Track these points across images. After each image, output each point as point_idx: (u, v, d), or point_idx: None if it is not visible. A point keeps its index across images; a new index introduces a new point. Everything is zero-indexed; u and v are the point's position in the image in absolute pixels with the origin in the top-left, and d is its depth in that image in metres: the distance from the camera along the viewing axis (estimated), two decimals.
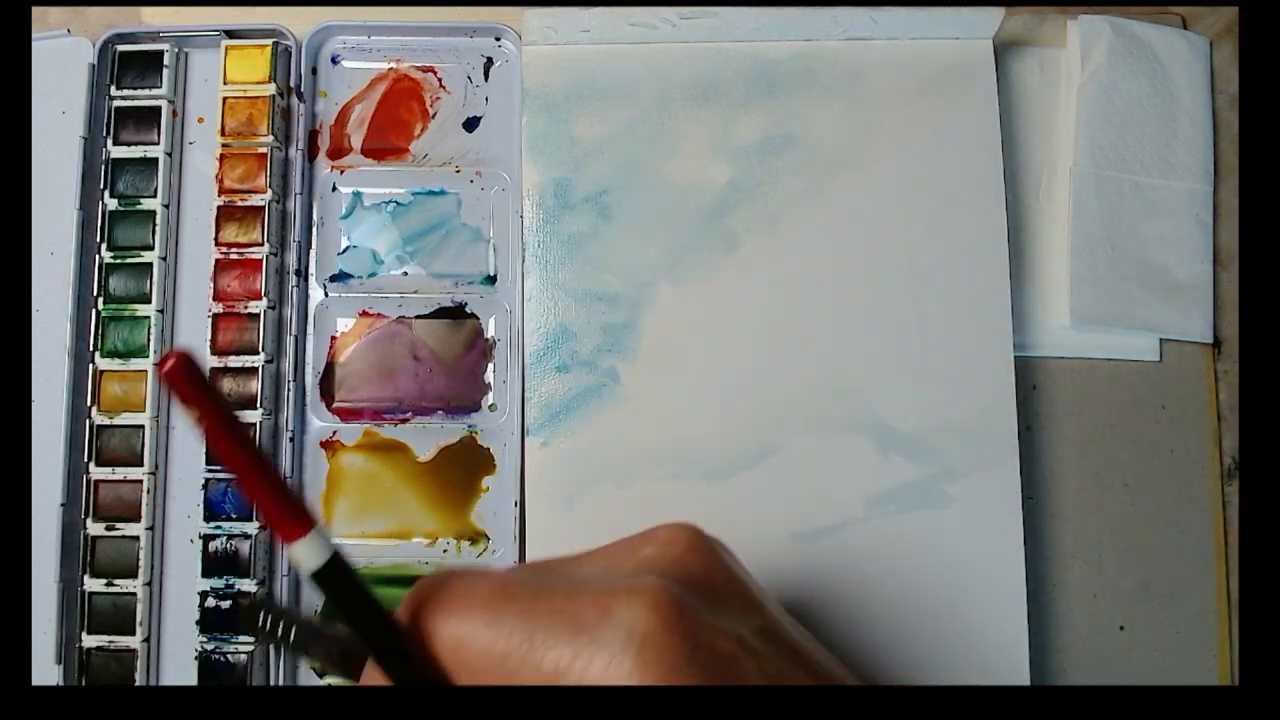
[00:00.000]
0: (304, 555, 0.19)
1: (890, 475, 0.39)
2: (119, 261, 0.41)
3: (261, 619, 0.31)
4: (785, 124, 0.41)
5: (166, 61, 0.42)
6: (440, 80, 0.43)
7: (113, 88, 0.42)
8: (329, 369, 0.42)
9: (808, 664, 0.21)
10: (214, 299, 0.41)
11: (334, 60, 0.43)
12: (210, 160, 0.42)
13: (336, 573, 0.20)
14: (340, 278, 0.42)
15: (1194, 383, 0.43)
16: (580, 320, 0.40)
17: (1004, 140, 0.41)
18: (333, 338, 0.42)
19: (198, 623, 0.39)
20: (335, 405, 0.41)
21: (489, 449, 0.41)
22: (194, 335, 0.41)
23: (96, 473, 0.40)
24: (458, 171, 0.42)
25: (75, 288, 0.40)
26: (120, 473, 0.40)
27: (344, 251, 0.42)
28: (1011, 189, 0.42)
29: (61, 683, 0.39)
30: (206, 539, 0.39)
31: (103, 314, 0.41)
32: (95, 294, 0.41)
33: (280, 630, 0.30)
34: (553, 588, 0.21)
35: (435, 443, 0.41)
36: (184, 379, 0.17)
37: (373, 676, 0.22)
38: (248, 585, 0.39)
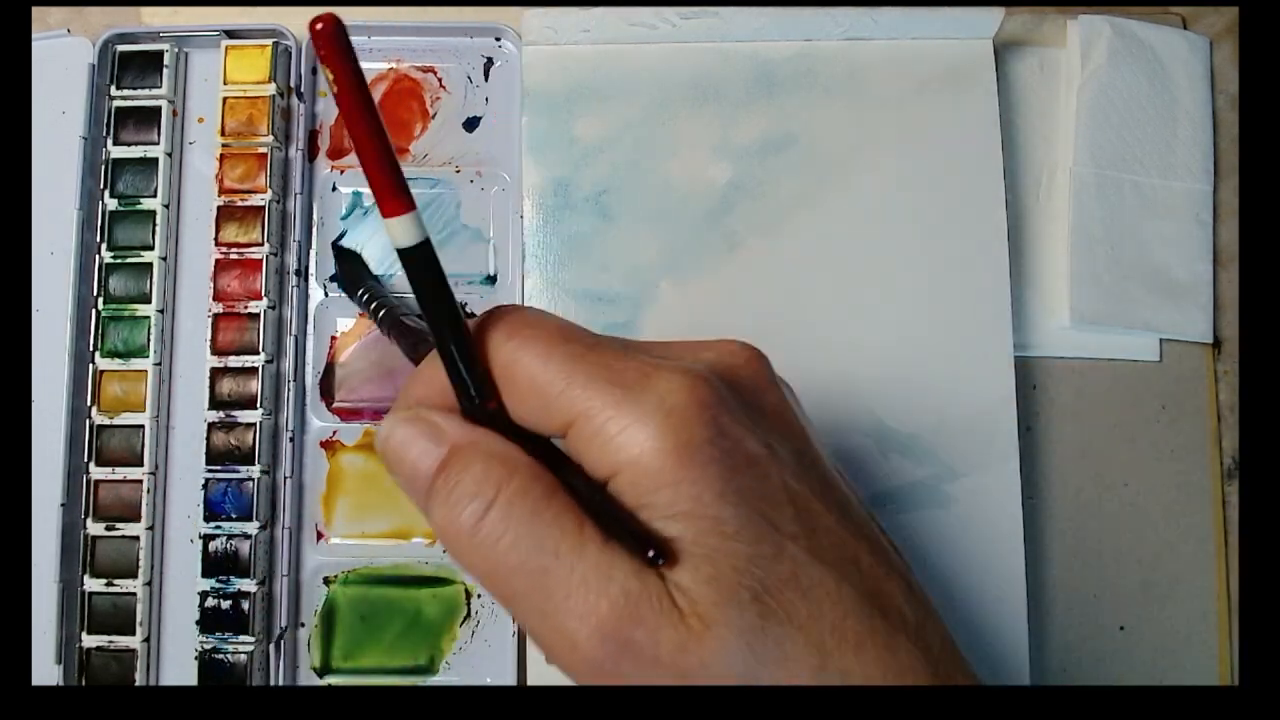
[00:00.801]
0: (399, 232, 0.20)
1: (891, 475, 0.39)
2: (119, 261, 0.41)
3: (362, 293, 0.38)
4: (785, 124, 0.41)
5: (166, 61, 0.42)
6: (440, 80, 0.43)
7: (113, 88, 0.42)
8: (329, 369, 0.42)
9: (839, 499, 0.22)
10: (214, 299, 0.41)
11: None
12: (210, 160, 0.42)
13: (423, 257, 0.21)
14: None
15: (1194, 383, 0.43)
16: (580, 320, 0.40)
17: (1004, 140, 0.41)
18: (333, 338, 0.42)
19: (198, 623, 0.39)
20: (335, 405, 0.41)
21: None
22: (194, 335, 0.41)
23: (96, 473, 0.40)
24: (458, 171, 0.42)
25: (75, 288, 0.40)
26: (120, 473, 0.40)
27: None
28: (1011, 189, 0.42)
29: (61, 683, 0.39)
30: (206, 539, 0.39)
31: (103, 314, 0.41)
32: (95, 294, 0.41)
33: (372, 308, 0.36)
34: (608, 348, 0.22)
35: None
36: (331, 40, 0.20)
37: (427, 371, 0.24)
38: (248, 585, 0.39)
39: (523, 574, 0.20)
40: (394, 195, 0.20)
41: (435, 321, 0.21)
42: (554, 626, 0.20)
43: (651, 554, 0.19)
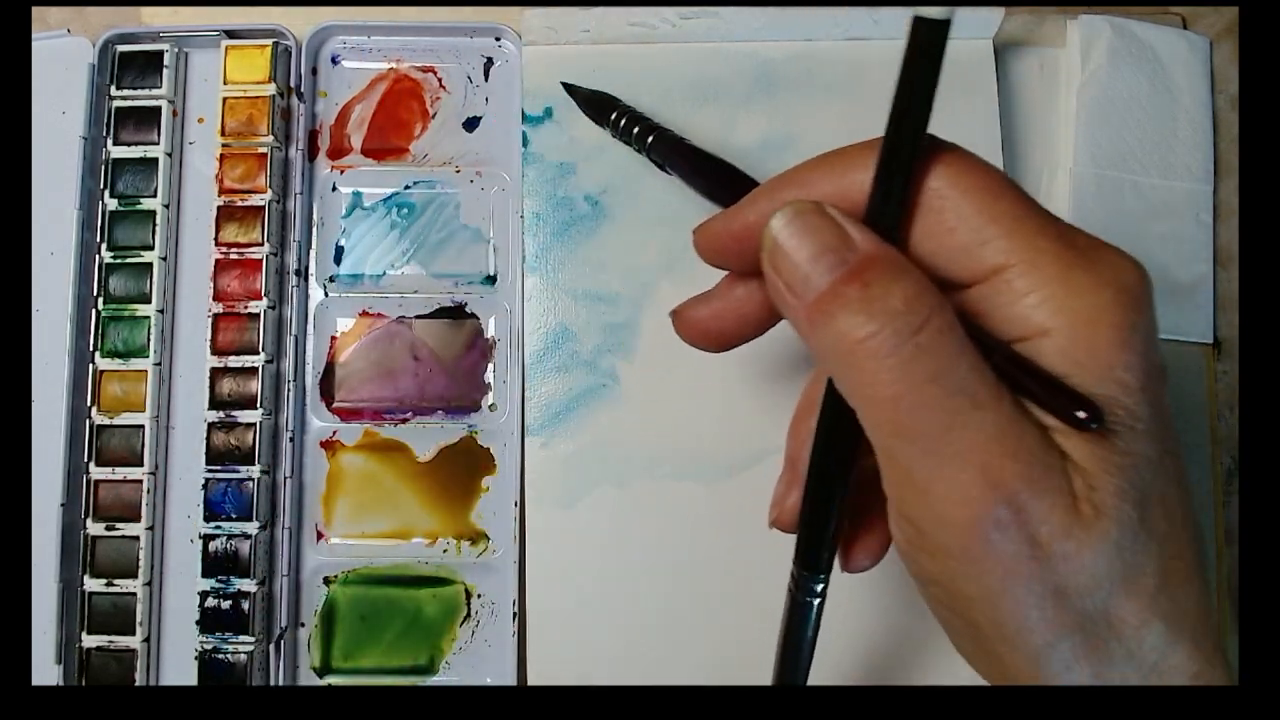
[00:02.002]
0: None
1: None
2: (119, 261, 0.41)
3: (617, 117, 0.35)
4: (785, 124, 0.41)
5: (166, 61, 0.42)
6: (440, 80, 0.43)
7: (113, 88, 0.42)
8: (329, 369, 0.42)
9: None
10: (214, 299, 0.41)
11: (334, 60, 0.43)
12: (210, 160, 0.42)
13: (940, 40, 0.18)
14: (340, 277, 0.42)
15: (1194, 383, 0.43)
16: (580, 320, 0.40)
17: (1004, 140, 0.41)
18: (333, 338, 0.42)
19: (198, 623, 0.39)
20: (335, 405, 0.41)
21: (489, 449, 0.41)
22: (194, 335, 0.41)
23: (96, 473, 0.40)
24: (458, 171, 0.42)
25: (75, 288, 0.40)
26: (120, 473, 0.40)
27: (343, 251, 0.42)
28: None
29: (61, 683, 0.39)
30: (206, 539, 0.39)
31: (103, 314, 0.41)
32: (95, 294, 0.41)
33: (636, 132, 0.33)
34: (1044, 209, 0.21)
35: (435, 443, 0.41)
36: None
37: (814, 176, 0.22)
38: (248, 585, 0.39)
39: (931, 410, 0.19)
40: None
41: (906, 119, 0.19)
42: (948, 475, 0.19)
43: (1083, 415, 0.18)
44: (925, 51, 0.19)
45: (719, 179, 0.31)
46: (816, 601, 0.25)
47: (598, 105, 0.39)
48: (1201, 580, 0.19)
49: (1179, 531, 0.19)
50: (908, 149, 0.20)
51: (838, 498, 0.24)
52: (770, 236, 0.21)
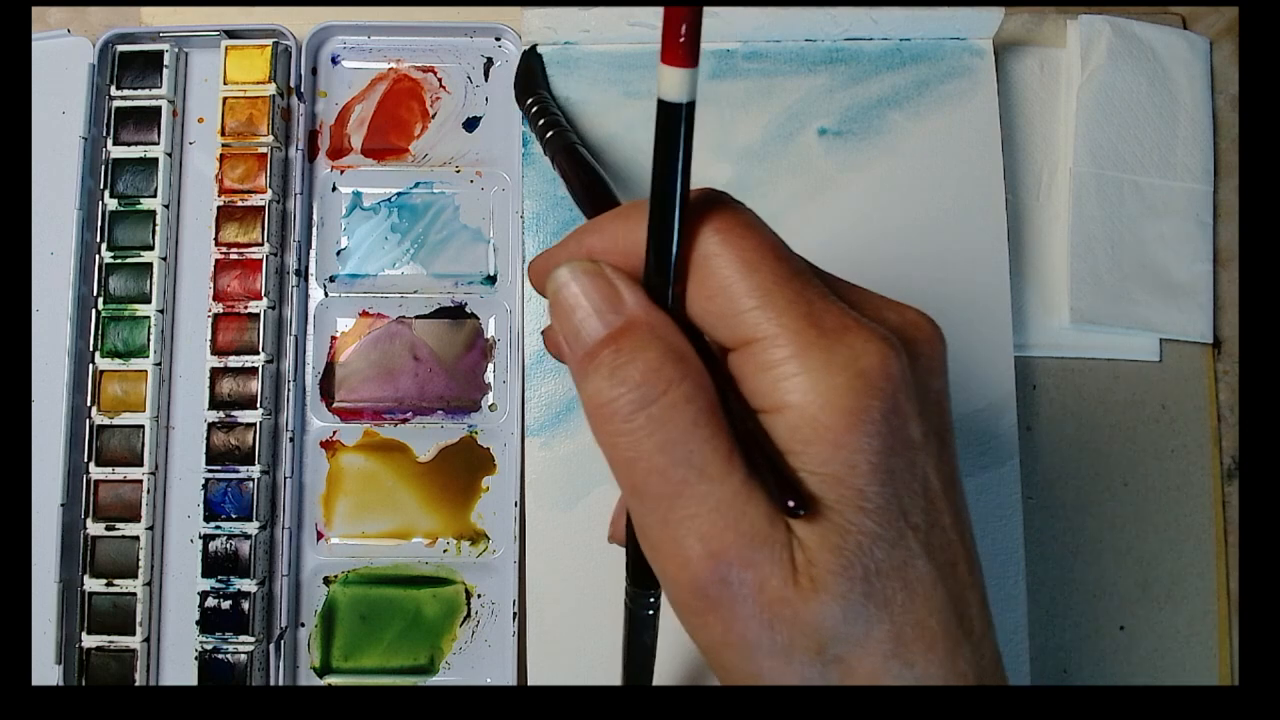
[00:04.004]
0: (673, 84, 0.19)
1: None
2: (119, 261, 0.41)
3: (532, 103, 0.35)
4: (785, 124, 0.41)
5: (166, 61, 0.42)
6: (440, 80, 0.43)
7: (113, 88, 0.42)
8: (329, 369, 0.42)
9: (957, 501, 0.22)
10: (214, 299, 0.41)
11: (334, 60, 0.43)
12: (210, 160, 0.42)
13: (686, 118, 0.19)
14: (340, 277, 0.42)
15: (1194, 383, 0.43)
16: None
17: (1004, 140, 0.41)
18: (333, 338, 0.42)
19: (198, 623, 0.39)
20: (335, 405, 0.41)
21: (489, 449, 0.41)
22: (194, 335, 0.41)
23: (96, 473, 0.40)
24: (458, 171, 0.42)
25: (75, 288, 0.40)
26: (120, 473, 0.40)
27: (343, 251, 0.42)
28: (1011, 189, 0.42)
29: (61, 683, 0.39)
30: (206, 539, 0.39)
31: (103, 314, 0.41)
32: (95, 294, 0.41)
33: (540, 125, 0.33)
34: (810, 280, 0.21)
35: (435, 443, 0.41)
36: None
37: (612, 226, 0.23)
38: (248, 585, 0.39)
39: (660, 477, 0.20)
40: (687, 50, 0.19)
41: (666, 186, 0.20)
42: (673, 536, 0.20)
43: (792, 504, 0.19)
44: (674, 124, 0.19)
45: (589, 197, 0.31)
46: (652, 612, 0.26)
47: (522, 85, 0.39)
48: (953, 640, 0.20)
49: (925, 600, 0.20)
50: (672, 210, 0.20)
51: None
52: (553, 288, 0.22)
